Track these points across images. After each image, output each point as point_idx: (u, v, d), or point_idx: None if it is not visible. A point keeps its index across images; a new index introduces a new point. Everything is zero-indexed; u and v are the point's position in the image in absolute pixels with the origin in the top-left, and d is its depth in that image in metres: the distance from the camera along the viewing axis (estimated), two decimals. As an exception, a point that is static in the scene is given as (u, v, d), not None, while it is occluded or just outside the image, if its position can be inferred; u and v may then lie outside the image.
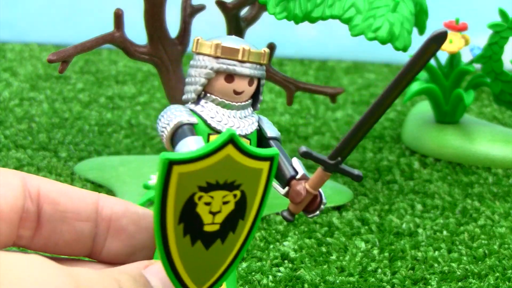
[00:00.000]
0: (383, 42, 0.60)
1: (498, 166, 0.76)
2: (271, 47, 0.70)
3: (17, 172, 0.33)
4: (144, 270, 0.32)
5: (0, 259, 0.27)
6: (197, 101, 0.40)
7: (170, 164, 0.29)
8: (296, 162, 0.40)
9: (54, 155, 0.75)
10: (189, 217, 0.31)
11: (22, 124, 0.84)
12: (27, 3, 1.25)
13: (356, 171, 0.38)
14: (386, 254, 0.58)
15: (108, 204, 0.35)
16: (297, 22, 0.61)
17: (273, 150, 0.32)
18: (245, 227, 0.32)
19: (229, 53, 0.39)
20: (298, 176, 0.39)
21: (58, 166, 0.72)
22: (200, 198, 0.31)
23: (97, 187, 0.69)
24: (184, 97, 0.40)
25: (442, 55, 0.81)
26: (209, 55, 0.40)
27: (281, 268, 0.55)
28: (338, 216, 0.64)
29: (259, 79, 0.41)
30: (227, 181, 0.31)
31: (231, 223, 0.32)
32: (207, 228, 0.31)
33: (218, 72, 0.39)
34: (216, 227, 0.32)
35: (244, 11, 0.70)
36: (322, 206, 0.39)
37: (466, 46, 0.79)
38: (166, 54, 0.67)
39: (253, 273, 0.54)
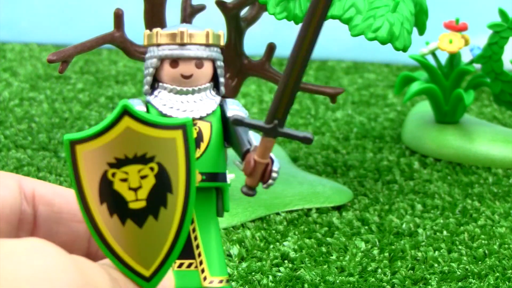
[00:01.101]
0: (383, 42, 0.60)
1: (498, 166, 0.76)
2: (271, 47, 0.70)
3: (12, 174, 0.33)
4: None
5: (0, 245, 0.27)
6: (151, 92, 0.41)
7: (72, 144, 0.30)
8: (252, 136, 0.40)
9: (54, 155, 0.75)
10: (109, 196, 0.31)
11: (22, 124, 0.84)
12: (27, 3, 1.25)
13: (302, 133, 0.35)
14: (386, 254, 0.58)
15: None
16: (297, 22, 0.61)
17: (183, 118, 0.31)
18: (178, 200, 0.32)
19: (168, 38, 0.40)
20: (251, 148, 0.39)
21: (58, 166, 0.73)
22: (113, 175, 0.31)
23: (97, 187, 0.69)
24: (143, 90, 0.41)
25: (442, 55, 0.81)
26: (153, 45, 0.40)
27: (281, 268, 0.55)
28: (338, 216, 0.64)
29: (213, 61, 0.41)
30: (137, 154, 0.31)
31: (158, 197, 0.31)
32: (133, 206, 0.31)
33: (162, 59, 0.40)
34: (142, 204, 0.31)
35: (244, 11, 0.70)
36: (273, 174, 0.38)
37: (466, 46, 0.79)
38: (166, 54, 0.67)
39: (253, 273, 0.54)
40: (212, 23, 0.78)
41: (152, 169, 0.31)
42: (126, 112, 0.31)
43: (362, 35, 0.60)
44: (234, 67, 0.70)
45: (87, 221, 0.31)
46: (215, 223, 0.41)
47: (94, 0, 1.23)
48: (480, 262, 0.57)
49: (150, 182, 0.31)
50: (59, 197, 0.34)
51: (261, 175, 0.38)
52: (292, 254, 0.57)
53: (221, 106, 0.41)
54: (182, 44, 0.40)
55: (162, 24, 0.66)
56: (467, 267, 0.56)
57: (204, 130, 0.40)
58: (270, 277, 0.54)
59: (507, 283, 0.54)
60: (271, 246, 0.59)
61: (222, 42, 0.41)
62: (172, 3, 0.69)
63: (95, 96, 0.96)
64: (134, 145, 0.31)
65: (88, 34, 0.65)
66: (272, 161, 0.38)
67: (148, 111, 0.40)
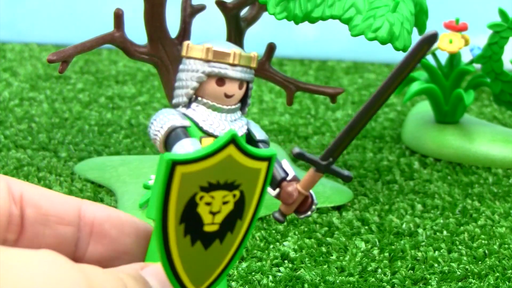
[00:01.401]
0: (383, 42, 0.60)
1: (498, 166, 0.76)
2: (271, 47, 0.70)
3: (0, 176, 0.33)
4: (142, 271, 0.32)
5: (11, 255, 0.27)
6: (188, 104, 0.40)
7: (173, 165, 0.30)
8: (286, 164, 0.40)
9: (54, 155, 0.75)
10: (190, 217, 0.31)
11: (22, 124, 0.84)
12: (27, 3, 1.25)
13: (346, 172, 0.38)
14: (386, 254, 0.58)
15: (91, 209, 0.35)
16: (297, 22, 0.61)
17: (271, 150, 0.32)
18: (243, 227, 0.33)
19: (220, 56, 0.40)
20: (288, 178, 0.39)
21: (58, 166, 0.72)
22: (201, 198, 0.31)
23: (97, 187, 0.69)
24: (175, 101, 0.41)
25: (442, 55, 0.81)
26: (200, 59, 0.40)
27: (281, 268, 0.55)
28: (338, 216, 0.64)
29: (247, 83, 0.41)
30: (228, 181, 0.31)
31: (229, 223, 0.32)
32: (207, 228, 0.32)
33: (209, 75, 0.40)
34: (215, 227, 0.32)
35: (244, 11, 0.70)
36: (313, 207, 0.39)
37: (466, 46, 0.79)
38: (166, 54, 0.67)
39: (253, 273, 0.54)
40: (212, 23, 0.78)
41: (234, 196, 0.32)
42: (233, 141, 0.31)
43: (362, 35, 0.60)
44: (234, 67, 0.70)
45: (159, 237, 0.31)
46: None
47: (94, 0, 1.23)
48: (480, 262, 0.57)
49: (229, 208, 0.32)
50: (46, 199, 0.34)
51: (298, 205, 0.39)
52: (292, 254, 0.57)
53: (247, 128, 0.42)
54: (233, 65, 0.40)
55: (162, 24, 0.66)
56: (467, 267, 0.56)
57: None
58: (270, 277, 0.54)
59: (507, 283, 0.54)
60: (271, 246, 0.59)
61: (256, 64, 0.41)
62: (172, 3, 0.69)
63: (95, 96, 0.96)
64: (228, 172, 0.31)
65: (88, 34, 0.65)
66: (311, 194, 0.39)
67: None
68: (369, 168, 0.75)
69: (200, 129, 0.40)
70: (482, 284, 0.54)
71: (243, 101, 0.42)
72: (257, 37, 0.78)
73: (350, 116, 0.93)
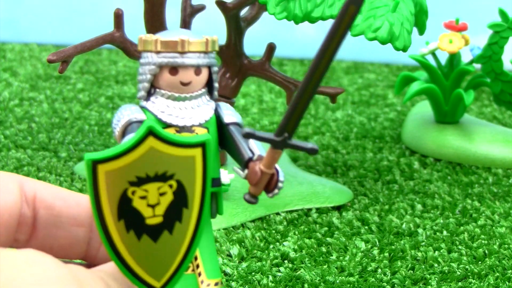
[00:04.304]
0: (383, 42, 0.60)
1: (498, 166, 0.76)
2: (271, 47, 0.70)
3: (14, 175, 0.33)
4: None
5: (1, 256, 0.27)
6: (147, 97, 0.40)
7: (94, 164, 0.30)
8: (253, 144, 0.40)
9: (54, 155, 0.75)
10: (127, 213, 0.31)
11: (22, 124, 0.84)
12: (27, 3, 1.25)
13: (309, 145, 0.37)
14: (386, 254, 0.58)
15: None
16: (297, 22, 0.61)
17: (202, 136, 0.32)
18: (192, 214, 0.32)
19: (168, 46, 0.40)
20: (254, 158, 0.39)
21: (58, 166, 0.73)
22: (133, 192, 0.31)
23: (97, 187, 0.69)
24: (137, 95, 0.41)
25: (442, 55, 0.81)
26: (151, 51, 0.40)
27: (281, 268, 0.55)
28: (338, 216, 0.64)
29: (209, 67, 0.41)
30: (158, 172, 0.31)
31: (174, 213, 0.32)
32: (150, 221, 0.31)
33: (161, 66, 0.40)
34: (159, 219, 0.31)
35: (244, 11, 0.70)
36: (279, 184, 0.38)
37: (466, 46, 0.79)
38: (166, 54, 0.67)
39: (253, 273, 0.54)
40: (212, 23, 0.78)
41: (171, 186, 0.32)
42: (151, 132, 0.31)
43: (362, 35, 0.60)
44: (234, 67, 0.70)
45: (102, 237, 0.31)
46: (209, 226, 0.41)
47: (94, 0, 1.23)
48: (480, 262, 0.57)
49: (168, 198, 0.32)
50: (60, 200, 0.34)
51: (265, 184, 0.38)
52: (292, 254, 0.57)
53: (216, 111, 0.41)
54: (183, 52, 0.40)
55: (162, 24, 0.66)
56: (467, 267, 0.56)
57: None
58: (270, 277, 0.54)
59: (507, 283, 0.54)
60: (271, 246, 0.59)
61: (217, 46, 0.41)
62: (172, 3, 0.69)
63: (95, 96, 0.96)
64: (156, 164, 0.31)
65: (88, 34, 0.65)
66: (277, 171, 0.38)
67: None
68: (369, 168, 0.75)
69: (159, 121, 0.40)
70: (482, 284, 0.54)
71: (210, 85, 0.41)
72: (257, 37, 0.78)
73: (350, 116, 0.93)
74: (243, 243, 0.59)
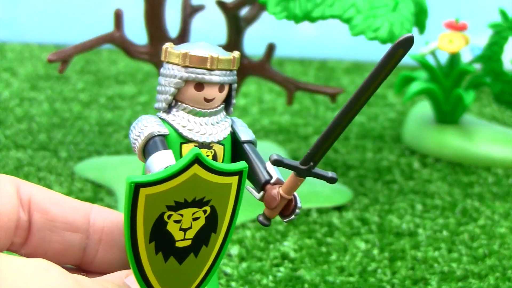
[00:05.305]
0: (383, 42, 0.60)
1: (498, 166, 0.76)
2: (271, 47, 0.70)
3: (11, 178, 0.33)
4: (126, 279, 0.32)
5: (7, 263, 0.27)
6: (168, 110, 0.40)
7: (136, 187, 0.30)
8: (271, 166, 0.40)
9: (54, 155, 0.75)
10: (159, 235, 0.31)
11: (22, 124, 0.84)
12: (27, 3, 1.25)
13: (329, 174, 0.38)
14: (386, 254, 0.58)
15: (101, 216, 0.35)
16: (297, 22, 0.61)
17: (241, 164, 0.32)
18: (218, 239, 0.33)
19: (197, 62, 0.39)
20: (272, 181, 0.39)
21: (58, 166, 0.73)
22: (169, 216, 0.31)
23: (97, 187, 0.69)
24: (156, 105, 0.40)
25: (442, 55, 0.81)
26: (177, 64, 0.39)
27: (281, 268, 0.55)
28: (338, 216, 0.64)
29: (230, 84, 0.41)
30: (196, 198, 0.31)
31: (203, 237, 0.32)
32: (179, 244, 0.32)
33: (187, 81, 0.39)
34: (188, 243, 0.32)
35: (244, 11, 0.70)
36: (297, 211, 0.39)
37: (466, 46, 0.79)
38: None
39: (253, 273, 0.54)
40: (212, 23, 0.78)
41: (205, 211, 0.32)
42: (197, 160, 0.31)
43: (362, 35, 0.60)
44: (234, 67, 0.70)
45: (131, 257, 0.31)
46: None
47: (94, 0, 1.23)
48: (480, 262, 0.57)
49: (200, 223, 0.32)
50: (54, 205, 0.34)
51: (282, 209, 0.39)
52: (292, 254, 0.57)
53: (232, 127, 0.41)
54: (211, 69, 0.39)
55: (162, 24, 0.66)
56: (467, 267, 0.56)
57: (219, 153, 0.40)
58: (270, 277, 0.54)
59: (507, 283, 0.54)
60: (271, 246, 0.59)
61: (237, 66, 0.41)
62: (172, 3, 0.69)
63: (95, 96, 0.96)
64: (196, 190, 0.31)
65: (88, 34, 0.65)
66: (295, 197, 0.39)
67: None
68: (369, 168, 0.75)
69: (180, 135, 0.39)
70: (482, 284, 0.54)
71: (227, 101, 0.42)
72: (257, 37, 0.78)
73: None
74: (243, 243, 0.59)
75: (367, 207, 0.66)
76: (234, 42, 0.69)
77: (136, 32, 0.69)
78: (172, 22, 0.69)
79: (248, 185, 0.39)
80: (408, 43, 0.32)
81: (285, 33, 1.09)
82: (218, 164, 0.31)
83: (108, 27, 0.65)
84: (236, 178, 0.32)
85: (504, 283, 0.54)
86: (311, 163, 0.37)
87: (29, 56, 1.14)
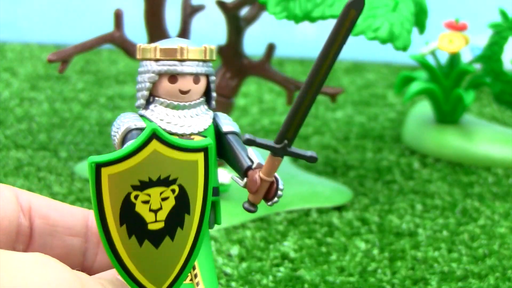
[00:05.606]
0: (383, 42, 0.60)
1: (498, 166, 0.76)
2: (271, 47, 0.70)
3: (9, 186, 0.34)
4: (119, 276, 0.33)
5: (6, 258, 0.27)
6: (146, 106, 0.41)
7: (98, 167, 0.30)
8: (252, 152, 0.40)
9: (54, 155, 0.75)
10: (130, 218, 0.31)
11: (22, 124, 0.84)
12: (27, 3, 1.25)
13: (308, 152, 0.37)
14: (386, 254, 0.58)
15: None
16: (297, 22, 0.61)
17: (205, 141, 0.32)
18: (193, 221, 0.32)
19: (167, 54, 0.40)
20: (253, 166, 0.39)
21: (58, 166, 0.73)
22: (136, 197, 0.31)
23: (97, 187, 0.69)
24: (136, 104, 0.41)
25: (442, 55, 0.81)
26: (150, 59, 0.40)
27: (281, 268, 0.55)
28: (338, 216, 0.64)
29: (207, 76, 0.41)
30: (161, 176, 0.31)
31: (176, 219, 0.32)
32: (152, 227, 0.31)
33: (160, 74, 0.40)
34: (160, 225, 0.31)
35: (244, 11, 0.70)
36: (279, 192, 0.39)
37: (466, 46, 0.79)
38: (166, 54, 0.67)
39: (253, 273, 0.54)
40: (212, 23, 0.78)
41: (173, 191, 0.32)
42: (155, 135, 0.31)
43: (362, 35, 0.60)
44: (234, 67, 0.70)
45: (104, 242, 0.31)
46: (207, 235, 0.41)
47: (94, 0, 1.23)
48: (480, 262, 0.57)
49: (170, 203, 0.32)
50: (54, 211, 0.35)
51: (265, 192, 0.38)
52: (292, 254, 0.57)
53: (214, 120, 0.41)
54: (182, 60, 0.40)
55: (162, 24, 0.66)
56: (467, 267, 0.56)
57: None
58: (270, 277, 0.54)
59: (507, 283, 0.54)
60: (271, 246, 0.59)
61: (215, 56, 0.41)
62: (172, 3, 0.69)
63: (95, 96, 0.96)
64: (159, 168, 0.31)
65: (88, 34, 0.65)
66: (277, 179, 0.38)
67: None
68: (369, 168, 0.75)
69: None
70: (482, 284, 0.54)
71: (208, 95, 0.42)
72: (257, 37, 0.78)
73: (350, 116, 0.93)
74: (243, 243, 0.59)
75: (367, 207, 0.66)
76: (234, 42, 0.69)
77: (136, 32, 0.69)
78: (172, 22, 0.69)
79: (234, 175, 0.39)
80: (359, 3, 0.31)
81: (285, 33, 1.09)
82: (178, 140, 0.31)
83: (108, 27, 0.65)
84: (201, 154, 0.32)
85: (504, 283, 0.54)
86: (285, 141, 0.36)
87: (29, 56, 1.14)
